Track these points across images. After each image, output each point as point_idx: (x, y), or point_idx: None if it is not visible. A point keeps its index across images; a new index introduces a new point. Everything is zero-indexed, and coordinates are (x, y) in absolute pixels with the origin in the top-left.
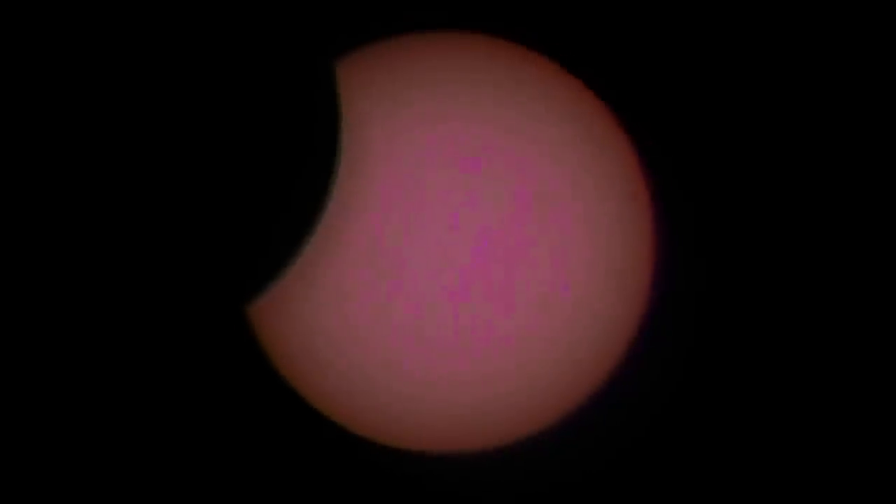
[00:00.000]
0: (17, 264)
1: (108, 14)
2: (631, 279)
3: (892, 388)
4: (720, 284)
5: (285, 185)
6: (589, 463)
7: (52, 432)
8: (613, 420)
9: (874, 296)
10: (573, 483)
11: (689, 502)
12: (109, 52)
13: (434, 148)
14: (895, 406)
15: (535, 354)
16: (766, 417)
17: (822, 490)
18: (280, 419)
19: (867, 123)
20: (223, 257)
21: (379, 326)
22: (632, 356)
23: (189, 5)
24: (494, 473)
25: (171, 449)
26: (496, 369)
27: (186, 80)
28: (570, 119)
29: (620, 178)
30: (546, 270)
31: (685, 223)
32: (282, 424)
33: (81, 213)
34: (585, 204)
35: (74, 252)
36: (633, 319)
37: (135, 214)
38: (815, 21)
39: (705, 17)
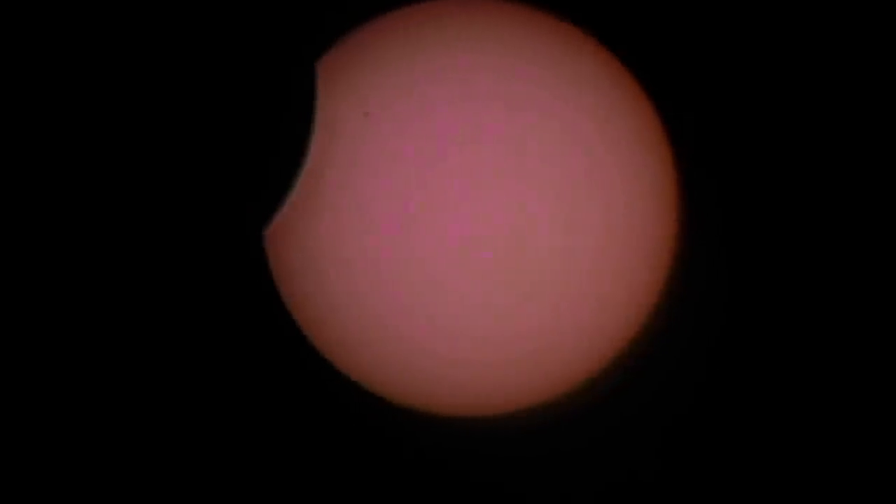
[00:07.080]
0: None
1: (94, 15)
2: (651, 260)
3: None
4: (743, 273)
5: (272, 124)
6: (595, 431)
7: (61, 355)
8: (623, 396)
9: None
10: (581, 450)
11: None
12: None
13: (446, 97)
14: None
15: (554, 316)
16: (776, 409)
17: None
18: (292, 366)
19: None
20: (229, 188)
21: (391, 272)
22: (651, 328)
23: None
24: (500, 440)
25: (178, 389)
26: (512, 329)
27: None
28: (594, 94)
29: (646, 161)
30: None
31: (711, 209)
32: (292, 371)
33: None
34: (605, 182)
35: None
36: (653, 296)
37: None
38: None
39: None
